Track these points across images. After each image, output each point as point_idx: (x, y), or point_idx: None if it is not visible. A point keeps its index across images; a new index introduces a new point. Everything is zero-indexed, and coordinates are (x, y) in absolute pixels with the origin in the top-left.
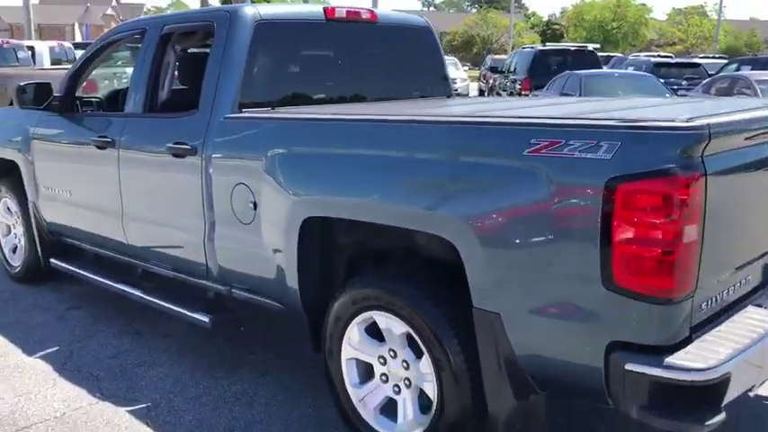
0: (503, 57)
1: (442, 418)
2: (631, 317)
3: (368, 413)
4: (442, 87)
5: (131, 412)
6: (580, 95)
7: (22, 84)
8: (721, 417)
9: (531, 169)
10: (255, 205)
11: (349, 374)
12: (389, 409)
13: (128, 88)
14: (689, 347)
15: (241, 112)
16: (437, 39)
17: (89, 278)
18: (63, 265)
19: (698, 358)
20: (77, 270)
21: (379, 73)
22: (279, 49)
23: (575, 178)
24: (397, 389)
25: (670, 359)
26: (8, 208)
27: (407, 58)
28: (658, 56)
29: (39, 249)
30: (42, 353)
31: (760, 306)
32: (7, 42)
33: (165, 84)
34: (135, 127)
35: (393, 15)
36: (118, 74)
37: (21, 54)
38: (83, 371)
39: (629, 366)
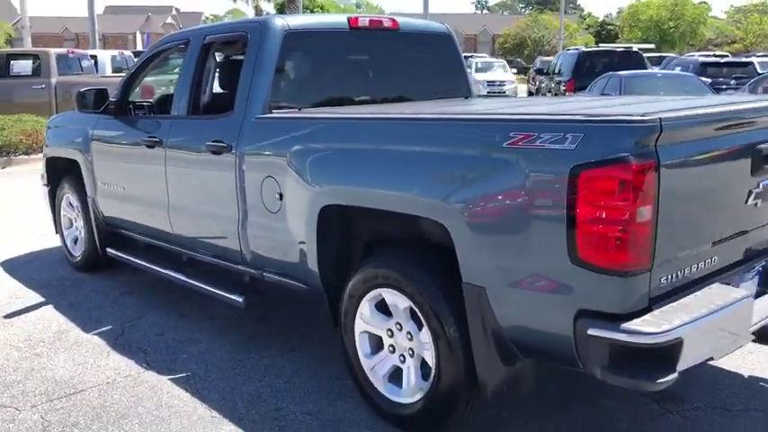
0: (552, 59)
1: (439, 383)
2: (594, 288)
3: (378, 380)
4: (462, 89)
5: (172, 380)
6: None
7: (81, 90)
8: (673, 376)
9: (509, 159)
10: (281, 196)
11: (361, 346)
12: (396, 376)
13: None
14: (647, 316)
15: (271, 113)
16: (457, 44)
17: (140, 265)
18: (118, 253)
19: (651, 324)
20: (130, 258)
21: (401, 76)
22: (305, 56)
23: (545, 166)
24: (402, 358)
25: (626, 325)
26: (70, 203)
27: (428, 61)
28: (714, 55)
29: (96, 240)
30: (98, 330)
31: (728, 284)
32: (72, 52)
33: (206, 88)
34: (179, 127)
35: (415, 23)
36: (174, 81)
37: (84, 63)
38: (132, 346)
39: (591, 331)
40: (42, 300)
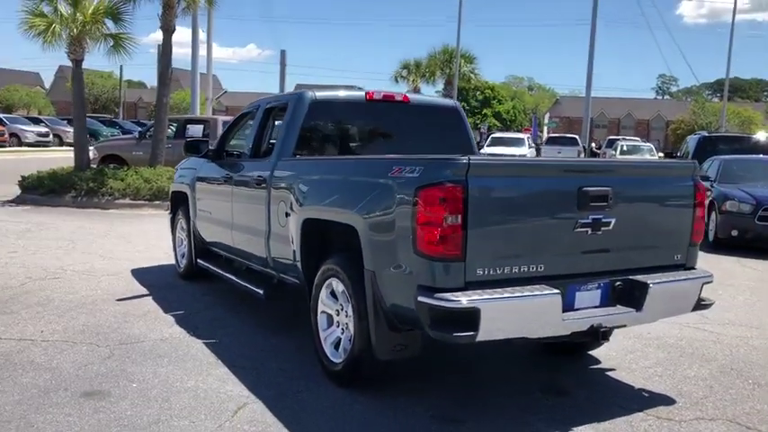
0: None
1: (354, 347)
2: (425, 270)
3: (327, 347)
4: (465, 152)
5: (204, 342)
6: (716, 177)
7: (187, 140)
8: (470, 334)
9: (390, 184)
10: (287, 214)
11: (321, 323)
12: (338, 344)
13: None
14: (459, 292)
15: (295, 157)
16: (462, 115)
17: (214, 271)
18: (204, 263)
19: (456, 296)
20: (209, 266)
21: (408, 138)
22: (326, 119)
23: (404, 188)
24: (341, 330)
25: (439, 294)
26: (182, 227)
27: (435, 129)
28: None
29: (193, 254)
30: (172, 313)
31: (557, 288)
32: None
33: (263, 139)
34: (243, 167)
35: (424, 98)
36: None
37: None
38: (189, 324)
39: (419, 299)
40: (147, 293)
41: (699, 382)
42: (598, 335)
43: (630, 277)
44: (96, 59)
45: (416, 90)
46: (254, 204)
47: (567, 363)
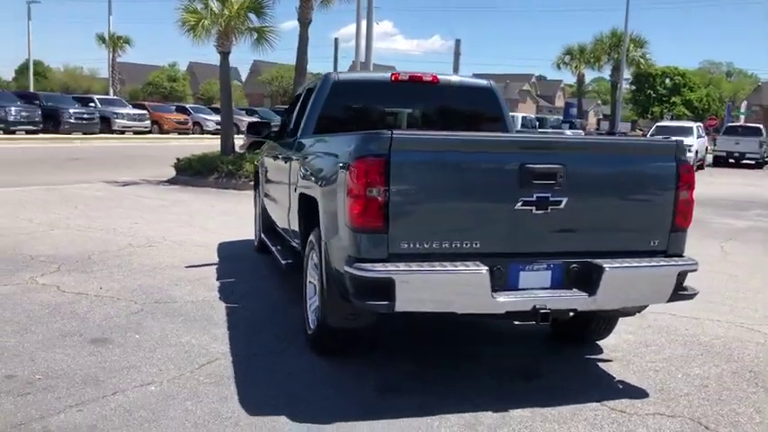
0: None
1: (319, 314)
2: (352, 241)
3: (309, 313)
4: (500, 131)
5: (227, 306)
6: None
7: (251, 122)
8: (385, 304)
9: (337, 158)
10: (296, 189)
11: (309, 292)
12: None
13: None
14: (380, 264)
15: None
16: (497, 95)
17: (266, 242)
18: (264, 237)
19: (373, 267)
20: (266, 239)
21: (435, 119)
22: (348, 100)
23: (342, 162)
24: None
25: (358, 264)
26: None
27: (466, 109)
28: None
29: (260, 227)
30: (222, 280)
31: (486, 265)
32: None
33: (301, 119)
34: (283, 145)
35: (456, 79)
36: None
37: None
38: (227, 290)
39: (344, 268)
40: (215, 262)
41: (695, 381)
42: (538, 316)
43: (588, 260)
44: (285, 54)
45: (580, 77)
46: (283, 180)
47: (563, 350)
